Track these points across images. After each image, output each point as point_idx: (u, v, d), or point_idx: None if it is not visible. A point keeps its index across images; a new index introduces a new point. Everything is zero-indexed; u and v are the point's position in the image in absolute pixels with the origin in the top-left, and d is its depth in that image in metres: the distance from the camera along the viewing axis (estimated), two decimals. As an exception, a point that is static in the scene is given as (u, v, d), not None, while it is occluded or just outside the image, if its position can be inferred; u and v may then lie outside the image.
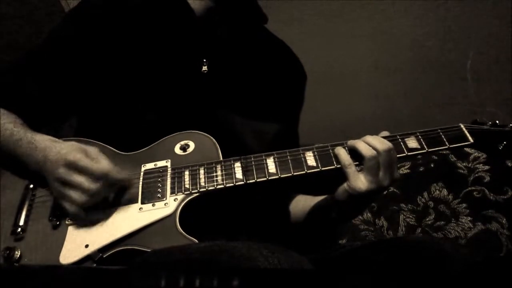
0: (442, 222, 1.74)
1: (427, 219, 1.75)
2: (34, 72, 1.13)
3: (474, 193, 1.75)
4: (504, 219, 1.69)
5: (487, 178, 1.75)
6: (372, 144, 0.99)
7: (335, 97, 2.15)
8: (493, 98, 2.12)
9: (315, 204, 1.17)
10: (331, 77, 2.10)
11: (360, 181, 0.98)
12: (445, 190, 1.78)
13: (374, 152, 0.98)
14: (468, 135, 1.05)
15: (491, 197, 1.73)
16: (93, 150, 0.96)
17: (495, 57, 2.08)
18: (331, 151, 1.03)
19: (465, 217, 1.73)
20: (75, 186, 0.93)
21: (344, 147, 1.03)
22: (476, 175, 1.77)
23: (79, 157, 0.93)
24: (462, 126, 1.07)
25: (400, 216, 1.76)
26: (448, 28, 2.09)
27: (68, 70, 1.14)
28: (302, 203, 1.24)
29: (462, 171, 1.78)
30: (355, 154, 1.01)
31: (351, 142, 1.02)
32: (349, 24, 2.14)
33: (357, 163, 1.01)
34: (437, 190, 1.78)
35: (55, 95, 1.15)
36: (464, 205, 1.75)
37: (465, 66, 2.12)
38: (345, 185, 1.00)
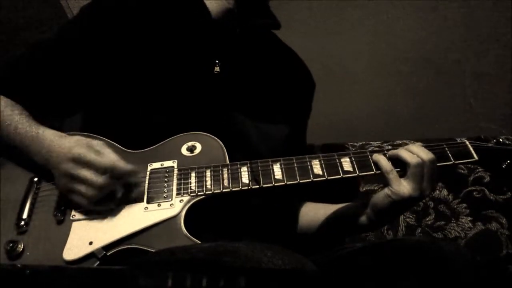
0: (442, 222, 1.74)
1: (427, 219, 1.76)
2: (43, 64, 1.13)
3: (474, 193, 1.75)
4: (504, 219, 1.69)
5: (487, 178, 1.75)
6: (416, 152, 1.01)
7: (335, 97, 2.15)
8: (493, 98, 2.12)
9: (338, 212, 1.17)
10: (330, 77, 2.11)
11: (403, 186, 0.99)
12: (445, 190, 1.78)
13: (419, 159, 0.99)
14: (473, 152, 1.07)
15: (491, 197, 1.73)
16: (97, 143, 0.96)
17: (495, 57, 2.09)
18: (337, 160, 1.03)
19: (465, 217, 1.73)
20: (82, 180, 0.93)
21: (350, 157, 1.03)
22: (476, 175, 1.77)
23: (84, 151, 0.93)
24: (467, 142, 1.08)
25: (400, 216, 1.77)
26: (448, 28, 2.09)
27: (79, 64, 1.14)
28: (314, 211, 1.24)
29: (462, 171, 1.78)
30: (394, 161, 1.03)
31: (392, 152, 1.03)
32: (349, 24, 2.14)
33: (398, 169, 1.02)
34: (437, 190, 1.79)
35: (63, 89, 1.15)
36: (464, 205, 1.75)
37: (464, 66, 2.12)
38: (386, 190, 1.01)
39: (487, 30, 2.06)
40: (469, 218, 1.73)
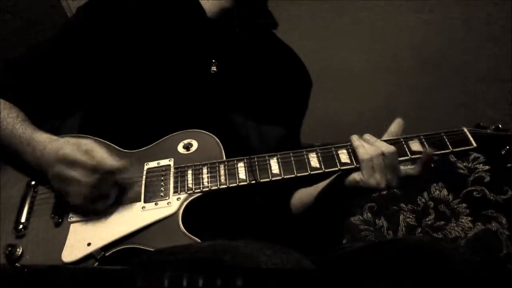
0: (442, 222, 1.74)
1: (427, 219, 1.76)
2: (41, 66, 1.13)
3: (474, 193, 1.76)
4: (504, 219, 1.69)
5: (487, 178, 1.76)
6: (367, 148, 1.01)
7: (335, 96, 2.15)
8: (493, 98, 2.12)
9: (315, 195, 1.16)
10: (330, 77, 2.10)
11: (373, 178, 0.99)
12: (445, 190, 1.78)
13: (368, 156, 0.99)
14: (471, 139, 1.04)
15: (491, 197, 1.73)
16: (86, 142, 0.95)
17: (495, 57, 2.09)
18: (334, 152, 1.03)
19: (465, 217, 1.74)
20: (71, 180, 0.92)
21: (347, 149, 1.03)
22: (476, 175, 1.77)
23: (69, 151, 0.93)
24: (465, 130, 1.06)
25: (400, 216, 1.77)
26: (448, 27, 2.09)
27: (76, 66, 1.14)
28: (299, 195, 1.24)
29: (462, 171, 1.79)
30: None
31: (354, 144, 1.03)
32: (349, 24, 2.14)
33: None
34: (437, 190, 1.79)
35: (61, 90, 1.15)
36: (464, 205, 1.75)
37: (464, 66, 2.12)
38: (356, 175, 1.01)
39: (487, 30, 2.06)
40: (469, 218, 1.73)
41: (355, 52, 2.17)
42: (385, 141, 1.03)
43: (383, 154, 0.99)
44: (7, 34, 2.04)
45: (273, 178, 1.00)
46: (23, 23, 2.07)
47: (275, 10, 1.31)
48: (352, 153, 1.02)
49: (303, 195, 1.21)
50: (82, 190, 0.92)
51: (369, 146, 1.01)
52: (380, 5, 2.09)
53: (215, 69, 1.17)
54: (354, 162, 1.02)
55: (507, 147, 1.05)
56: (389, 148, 1.00)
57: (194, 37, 1.19)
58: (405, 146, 1.04)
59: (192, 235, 0.93)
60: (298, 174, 1.00)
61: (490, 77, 2.12)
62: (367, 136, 1.03)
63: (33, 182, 1.04)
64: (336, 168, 1.01)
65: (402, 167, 1.02)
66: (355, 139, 1.03)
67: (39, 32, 2.04)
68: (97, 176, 0.92)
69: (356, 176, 1.01)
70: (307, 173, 1.01)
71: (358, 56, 2.17)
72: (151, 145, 1.08)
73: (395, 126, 1.07)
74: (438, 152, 1.03)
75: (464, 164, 1.79)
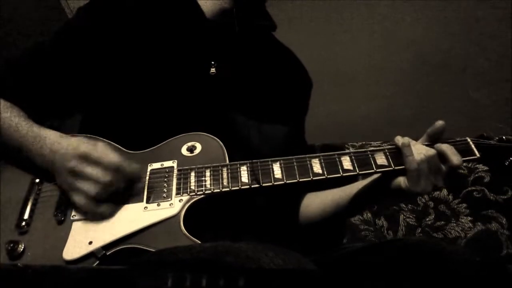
0: (442, 222, 1.74)
1: (427, 219, 1.76)
2: (41, 67, 1.13)
3: (474, 193, 1.76)
4: (504, 219, 1.70)
5: (487, 178, 1.76)
6: (414, 153, 1.01)
7: (335, 97, 2.15)
8: (494, 98, 2.12)
9: (350, 195, 1.17)
10: (330, 77, 2.11)
11: (418, 185, 1.01)
12: (445, 190, 1.79)
13: (415, 164, 1.00)
14: (475, 149, 1.06)
15: (491, 197, 1.74)
16: (101, 144, 0.97)
17: (495, 58, 2.09)
18: (337, 158, 1.04)
19: (465, 217, 1.74)
20: (87, 177, 0.93)
21: (350, 156, 1.04)
22: (476, 175, 1.78)
23: (91, 149, 0.94)
24: (469, 140, 1.08)
25: (400, 216, 1.77)
26: (448, 27, 2.10)
27: (77, 66, 1.14)
28: (320, 199, 1.24)
29: (462, 171, 1.79)
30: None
31: (403, 151, 1.02)
32: (349, 24, 2.14)
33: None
34: (437, 190, 1.79)
35: (62, 90, 1.15)
36: (464, 205, 1.76)
37: (465, 66, 2.13)
38: (403, 180, 1.03)
39: (487, 29, 2.07)
40: (469, 218, 1.73)
41: (355, 53, 2.17)
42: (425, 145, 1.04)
43: (426, 160, 1.00)
44: (7, 34, 2.04)
45: (276, 183, 1.01)
46: (23, 23, 2.07)
47: (274, 11, 1.32)
48: (356, 160, 1.03)
49: (335, 197, 1.21)
50: (95, 188, 0.93)
51: (416, 154, 1.01)
52: (380, 6, 2.10)
53: (214, 71, 1.18)
54: (357, 169, 1.02)
55: (511, 159, 1.07)
56: (430, 152, 1.01)
57: (194, 38, 1.19)
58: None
59: (194, 237, 0.93)
60: (301, 179, 1.01)
61: (491, 78, 2.12)
62: (407, 140, 1.03)
63: (37, 180, 1.05)
64: (339, 175, 1.02)
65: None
66: (404, 146, 1.02)
67: (39, 32, 2.04)
68: (114, 176, 0.93)
69: (401, 182, 1.03)
70: (309, 179, 1.01)
71: (358, 57, 2.17)
72: (154, 147, 1.08)
73: (435, 128, 1.07)
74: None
75: (464, 164, 1.80)
